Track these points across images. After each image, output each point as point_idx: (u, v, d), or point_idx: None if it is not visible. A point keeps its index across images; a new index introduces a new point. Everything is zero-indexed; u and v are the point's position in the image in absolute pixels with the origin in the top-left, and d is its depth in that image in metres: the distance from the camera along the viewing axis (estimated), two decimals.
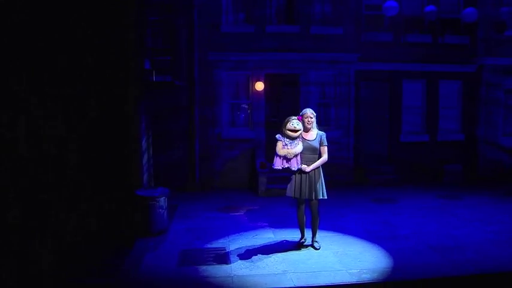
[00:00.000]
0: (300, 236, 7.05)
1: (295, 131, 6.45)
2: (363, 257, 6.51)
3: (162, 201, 7.70)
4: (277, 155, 6.50)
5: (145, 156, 9.11)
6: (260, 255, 6.61)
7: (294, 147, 6.45)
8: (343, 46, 12.05)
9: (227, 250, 6.84)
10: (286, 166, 6.49)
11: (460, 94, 13.18)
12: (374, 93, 12.69)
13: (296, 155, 6.46)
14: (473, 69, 12.93)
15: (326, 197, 6.64)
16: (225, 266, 6.21)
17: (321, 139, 6.61)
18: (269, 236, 7.53)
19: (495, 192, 10.90)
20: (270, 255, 6.60)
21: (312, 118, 6.58)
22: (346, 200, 10.08)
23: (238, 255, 6.59)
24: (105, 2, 7.37)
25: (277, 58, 11.80)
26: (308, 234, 6.97)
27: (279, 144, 6.50)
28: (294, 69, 12.00)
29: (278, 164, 6.51)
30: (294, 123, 6.46)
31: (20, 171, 4.91)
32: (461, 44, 12.86)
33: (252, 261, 6.36)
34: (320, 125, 6.93)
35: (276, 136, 6.57)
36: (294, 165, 6.47)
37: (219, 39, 11.61)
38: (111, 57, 7.53)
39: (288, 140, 6.47)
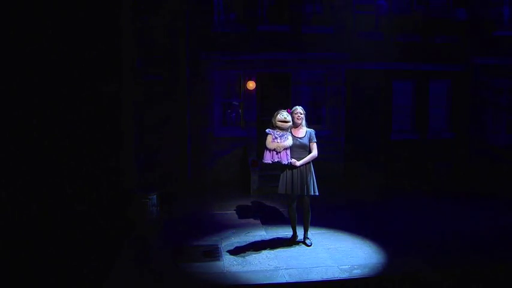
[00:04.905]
0: (291, 233, 7.11)
1: (286, 121, 6.49)
2: (354, 253, 6.59)
3: (155, 199, 7.74)
4: (267, 149, 6.52)
5: (138, 155, 9.13)
6: (252, 252, 6.66)
7: (284, 141, 6.46)
8: (334, 45, 12.13)
9: (219, 247, 6.88)
10: (276, 160, 6.48)
11: (450, 93, 13.32)
12: (365, 92, 12.78)
13: (286, 149, 6.49)
14: (463, 69, 13.06)
15: (318, 194, 6.69)
16: (217, 263, 6.26)
17: (310, 136, 6.68)
18: (261, 233, 7.58)
19: (483, 190, 11.03)
20: (262, 252, 6.65)
21: (301, 114, 6.65)
22: (337, 197, 10.14)
23: (230, 252, 6.63)
24: (99, 1, 7.39)
25: (268, 57, 11.84)
26: (300, 231, 7.03)
27: (269, 138, 6.52)
28: (285, 69, 12.06)
29: (268, 158, 6.52)
30: (284, 114, 6.51)
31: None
32: (451, 44, 12.99)
33: (245, 258, 6.41)
34: (311, 124, 6.99)
35: (266, 130, 6.61)
36: (284, 159, 6.48)
37: (210, 38, 11.64)
38: (104, 56, 7.55)
39: (277, 133, 6.50)
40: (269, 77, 12.11)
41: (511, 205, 9.51)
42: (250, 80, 11.87)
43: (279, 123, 6.49)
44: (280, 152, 6.46)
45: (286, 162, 6.50)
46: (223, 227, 7.99)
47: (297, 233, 7.06)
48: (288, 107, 6.79)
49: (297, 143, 6.60)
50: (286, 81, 12.17)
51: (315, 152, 6.68)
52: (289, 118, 6.52)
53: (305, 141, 6.64)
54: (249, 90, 11.89)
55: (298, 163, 6.53)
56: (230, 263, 6.23)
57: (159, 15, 10.53)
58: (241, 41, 11.78)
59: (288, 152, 6.52)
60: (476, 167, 13.05)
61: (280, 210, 8.97)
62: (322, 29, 12.12)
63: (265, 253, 6.60)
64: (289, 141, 6.50)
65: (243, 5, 11.93)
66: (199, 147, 11.78)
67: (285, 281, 5.68)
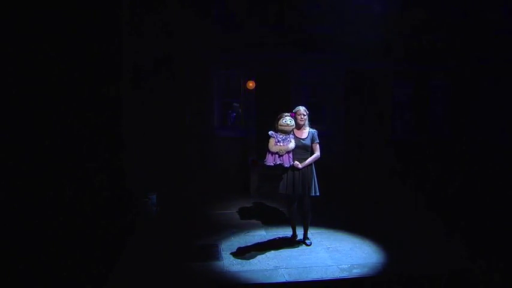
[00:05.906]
0: (291, 232, 7.12)
1: (288, 126, 6.50)
2: (354, 253, 6.61)
3: (155, 199, 7.75)
4: (270, 152, 6.53)
5: (138, 155, 9.13)
6: (252, 251, 6.67)
7: (287, 144, 6.48)
8: (333, 45, 12.11)
9: (219, 247, 6.89)
10: (278, 163, 6.50)
11: (450, 93, 13.31)
12: (365, 92, 12.77)
13: (288, 152, 6.50)
14: (463, 69, 13.06)
15: (318, 194, 6.70)
16: (217, 263, 6.27)
17: (312, 136, 6.67)
18: (261, 233, 7.59)
19: (483, 190, 11.03)
20: (262, 251, 6.66)
21: (304, 116, 6.65)
22: (337, 197, 10.15)
23: (230, 252, 6.64)
24: (99, 1, 7.39)
25: (268, 57, 11.84)
26: (300, 230, 7.04)
27: (272, 141, 6.53)
28: (285, 68, 12.06)
29: (270, 160, 6.53)
30: (287, 119, 6.52)
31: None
32: (451, 44, 12.99)
33: (244, 258, 6.42)
34: (311, 124, 7.00)
35: (269, 133, 6.60)
36: (286, 162, 6.49)
37: (210, 38, 11.64)
38: (105, 57, 7.55)
39: (280, 136, 6.51)
40: (269, 77, 12.11)
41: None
42: (250, 80, 11.88)
43: (282, 128, 6.50)
44: (282, 155, 6.47)
45: (288, 165, 6.52)
46: (223, 227, 8.00)
47: (297, 233, 7.07)
48: (291, 112, 6.76)
49: (300, 144, 6.60)
50: (286, 81, 12.17)
51: (317, 153, 6.68)
52: (292, 123, 6.54)
53: (307, 142, 6.64)
54: (249, 90, 11.90)
55: (300, 165, 6.54)
56: (230, 263, 6.25)
57: (158, 15, 10.53)
58: (241, 40, 11.78)
59: (291, 154, 6.53)
60: (477, 167, 13.06)
61: (280, 210, 8.97)
62: (322, 28, 12.11)
63: (265, 253, 6.60)
64: (292, 144, 6.51)
65: (243, 4, 11.93)
66: (199, 147, 11.78)
67: (284, 281, 5.69)
